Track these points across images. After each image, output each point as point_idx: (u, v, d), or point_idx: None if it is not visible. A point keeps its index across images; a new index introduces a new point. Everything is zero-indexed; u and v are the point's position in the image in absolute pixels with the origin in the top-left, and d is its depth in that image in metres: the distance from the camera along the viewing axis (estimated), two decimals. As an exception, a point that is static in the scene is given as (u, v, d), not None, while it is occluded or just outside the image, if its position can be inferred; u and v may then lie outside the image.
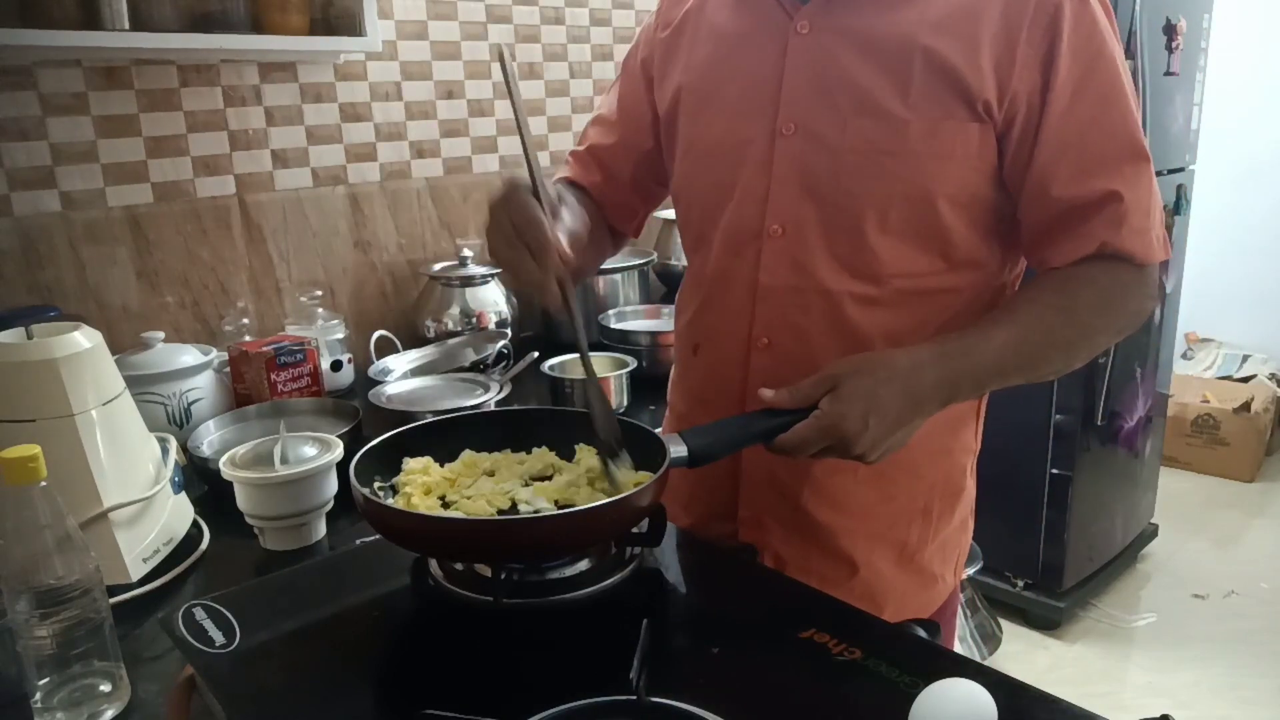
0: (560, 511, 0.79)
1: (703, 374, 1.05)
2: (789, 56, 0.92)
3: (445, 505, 0.86)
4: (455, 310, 1.93)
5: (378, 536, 0.82)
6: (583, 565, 0.84)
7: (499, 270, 1.97)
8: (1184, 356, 3.84)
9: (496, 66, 2.13)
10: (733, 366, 0.99)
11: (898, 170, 0.88)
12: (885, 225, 0.90)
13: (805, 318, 0.95)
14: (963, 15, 0.86)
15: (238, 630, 0.78)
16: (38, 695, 0.78)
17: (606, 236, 1.15)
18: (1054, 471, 2.56)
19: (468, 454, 0.93)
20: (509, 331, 1.86)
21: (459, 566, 0.84)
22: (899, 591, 1.02)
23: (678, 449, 0.85)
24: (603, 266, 2.08)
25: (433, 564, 0.85)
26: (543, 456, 0.94)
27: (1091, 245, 0.88)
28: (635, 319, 1.97)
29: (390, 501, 0.86)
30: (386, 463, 0.89)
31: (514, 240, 0.79)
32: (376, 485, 0.87)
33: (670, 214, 2.31)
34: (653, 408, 1.62)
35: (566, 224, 0.86)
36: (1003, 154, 0.89)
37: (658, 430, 0.90)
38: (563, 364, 1.64)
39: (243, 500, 1.12)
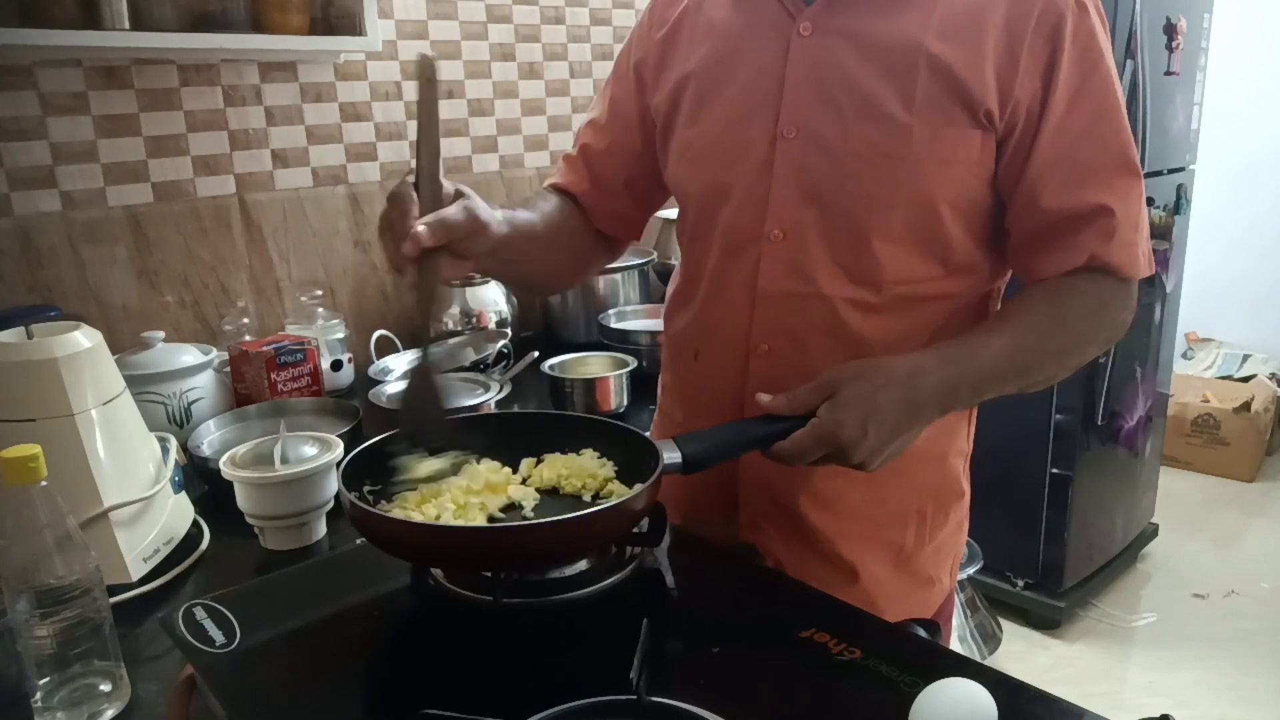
0: (553, 519, 0.79)
1: (702, 380, 1.04)
2: (791, 58, 0.92)
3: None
4: (455, 310, 1.92)
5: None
6: (582, 565, 0.84)
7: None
8: (1184, 356, 3.84)
9: (497, 66, 2.13)
10: (731, 373, 0.99)
11: (900, 175, 0.88)
12: (887, 231, 0.90)
13: (804, 323, 0.94)
14: (966, 22, 0.85)
15: (238, 630, 0.78)
16: (38, 695, 0.78)
17: (592, 244, 1.13)
18: (1054, 471, 2.56)
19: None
20: (509, 331, 1.86)
21: (459, 566, 0.84)
22: (896, 595, 1.02)
23: (671, 455, 0.85)
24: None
25: (433, 564, 0.85)
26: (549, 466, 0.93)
27: (1081, 257, 0.89)
28: (635, 319, 1.97)
29: (381, 505, 0.85)
30: (378, 466, 0.89)
31: (383, 222, 0.80)
32: (367, 489, 0.86)
33: (670, 214, 2.31)
34: (652, 407, 1.60)
35: (485, 214, 0.83)
36: (999, 161, 0.89)
37: (649, 433, 0.90)
38: (563, 364, 1.64)
39: (243, 500, 1.12)
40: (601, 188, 1.11)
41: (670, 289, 1.11)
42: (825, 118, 0.90)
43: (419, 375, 0.87)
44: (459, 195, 0.83)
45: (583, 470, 0.90)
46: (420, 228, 0.77)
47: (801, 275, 0.93)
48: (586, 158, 1.11)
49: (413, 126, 2.02)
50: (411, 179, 0.80)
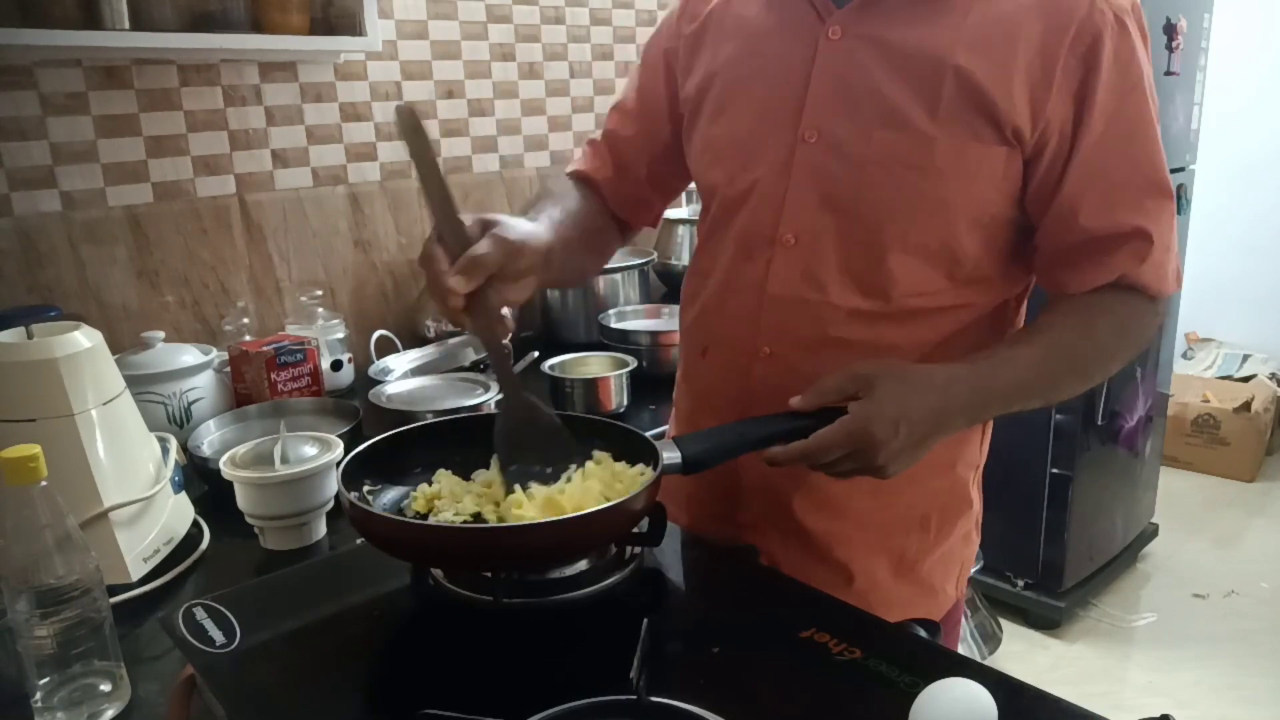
0: (551, 519, 0.79)
1: (709, 377, 1.04)
2: (818, 61, 0.90)
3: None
4: (455, 310, 1.92)
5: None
6: (582, 565, 0.84)
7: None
8: (1184, 356, 3.84)
9: (497, 66, 2.14)
10: (737, 374, 0.98)
11: (920, 186, 0.87)
12: (903, 242, 0.89)
13: (810, 330, 0.93)
14: (998, 36, 0.84)
15: (238, 630, 0.78)
16: (38, 695, 0.78)
17: (611, 231, 1.14)
18: (1054, 471, 2.56)
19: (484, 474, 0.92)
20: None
21: (459, 566, 0.84)
22: (898, 602, 1.01)
23: (671, 455, 0.85)
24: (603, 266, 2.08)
25: (433, 564, 0.85)
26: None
27: (1111, 275, 0.88)
28: (635, 319, 1.97)
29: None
30: (377, 466, 0.89)
31: (428, 286, 0.80)
32: (366, 489, 0.86)
33: (672, 213, 2.31)
34: (653, 407, 1.62)
35: (518, 233, 0.81)
36: (1028, 178, 0.88)
37: (650, 434, 0.90)
38: (563, 364, 1.64)
39: (243, 500, 1.12)
40: (624, 174, 1.11)
41: (685, 282, 1.11)
42: (848, 124, 0.89)
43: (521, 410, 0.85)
44: (487, 226, 0.81)
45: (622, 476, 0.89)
46: (452, 280, 0.76)
47: (812, 282, 0.93)
48: (611, 143, 1.12)
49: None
50: (434, 234, 0.79)
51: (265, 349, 1.52)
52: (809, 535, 1.00)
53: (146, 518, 1.06)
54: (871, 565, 1.00)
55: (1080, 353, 0.90)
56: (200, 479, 1.28)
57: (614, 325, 1.90)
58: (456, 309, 0.77)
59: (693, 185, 1.13)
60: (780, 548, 1.01)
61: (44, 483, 0.75)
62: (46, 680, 0.78)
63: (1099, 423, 2.57)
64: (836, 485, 0.96)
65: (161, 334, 1.53)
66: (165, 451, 1.14)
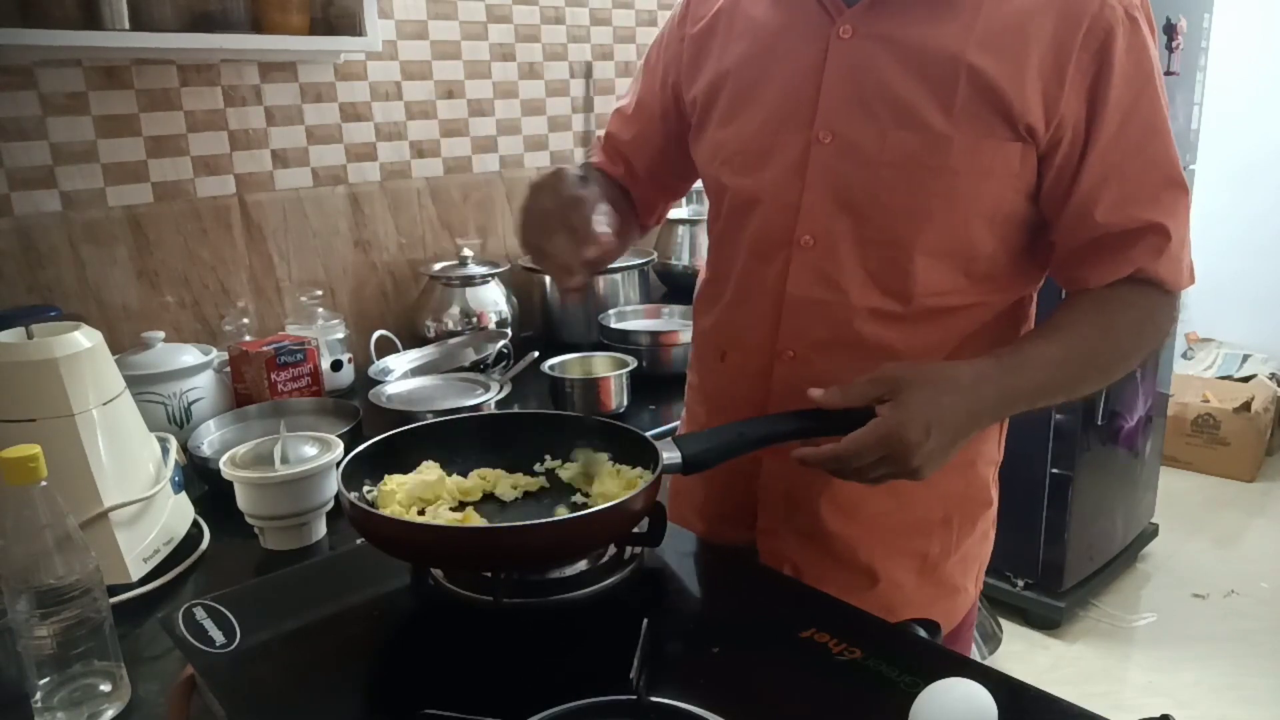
0: (550, 520, 0.79)
1: (727, 381, 1.04)
2: (829, 61, 0.90)
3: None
4: (455, 310, 1.93)
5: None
6: (582, 565, 0.84)
7: (498, 269, 1.97)
8: (1184, 356, 3.84)
9: (497, 66, 2.14)
10: (756, 377, 0.98)
11: (935, 186, 0.87)
12: (921, 243, 0.89)
13: (830, 332, 0.93)
14: (1011, 33, 0.83)
15: (238, 630, 0.78)
16: (38, 695, 0.78)
17: (635, 225, 1.15)
18: (1054, 471, 2.56)
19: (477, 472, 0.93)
20: (509, 331, 1.86)
21: (459, 566, 0.84)
22: (920, 603, 1.00)
23: (671, 455, 0.84)
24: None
25: (433, 564, 0.85)
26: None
27: (1128, 269, 0.88)
28: (635, 319, 1.97)
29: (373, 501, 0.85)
30: (377, 467, 0.89)
31: (551, 219, 0.81)
32: (366, 489, 0.86)
33: (671, 213, 2.31)
34: (653, 408, 1.62)
35: (609, 214, 0.85)
36: (1042, 175, 0.88)
37: (650, 434, 0.90)
38: (563, 364, 1.64)
39: (243, 500, 1.12)
40: (633, 175, 1.13)
41: (698, 284, 1.11)
42: (862, 124, 0.88)
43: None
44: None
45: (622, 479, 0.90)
46: (610, 234, 0.80)
47: (830, 283, 0.92)
48: (614, 145, 1.13)
49: (413, 126, 2.02)
50: (577, 177, 0.81)
51: (265, 349, 1.52)
52: (831, 539, 0.99)
53: (146, 518, 1.06)
54: (895, 567, 1.00)
55: (1102, 349, 0.90)
56: (200, 479, 1.28)
57: (614, 325, 1.90)
58: (592, 261, 0.80)
59: (696, 185, 1.14)
60: (800, 553, 1.00)
61: (44, 483, 0.75)
62: (46, 680, 0.78)
63: (1099, 423, 2.57)
64: (854, 489, 0.95)
65: (161, 334, 1.53)
66: (165, 451, 1.14)
